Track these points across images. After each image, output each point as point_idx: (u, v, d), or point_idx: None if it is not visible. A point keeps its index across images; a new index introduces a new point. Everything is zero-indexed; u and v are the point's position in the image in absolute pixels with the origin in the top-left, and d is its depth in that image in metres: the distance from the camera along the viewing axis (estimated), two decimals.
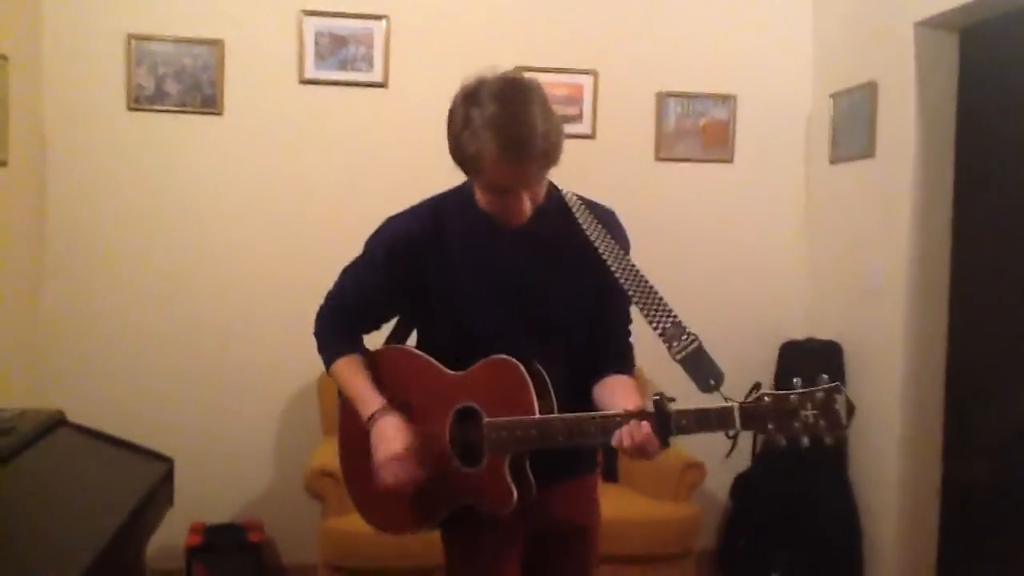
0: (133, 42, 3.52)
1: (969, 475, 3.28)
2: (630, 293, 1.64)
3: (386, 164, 3.66)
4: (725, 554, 3.84)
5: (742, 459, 3.74)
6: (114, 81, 3.52)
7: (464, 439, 1.69)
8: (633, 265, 1.68)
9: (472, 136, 1.55)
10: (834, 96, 3.80)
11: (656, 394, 1.53)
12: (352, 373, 1.81)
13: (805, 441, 1.44)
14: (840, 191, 3.80)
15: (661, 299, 1.62)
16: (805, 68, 4.00)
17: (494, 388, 1.66)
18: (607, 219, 1.77)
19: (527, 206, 1.63)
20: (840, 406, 1.41)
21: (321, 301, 1.89)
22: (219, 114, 3.59)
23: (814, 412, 1.42)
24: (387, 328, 1.90)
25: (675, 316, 1.59)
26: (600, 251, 1.69)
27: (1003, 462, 3.15)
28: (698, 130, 3.96)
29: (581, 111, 3.82)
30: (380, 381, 1.79)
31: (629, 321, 1.80)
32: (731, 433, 1.47)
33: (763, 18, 3.98)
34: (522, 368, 1.63)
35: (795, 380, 1.44)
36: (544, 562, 1.85)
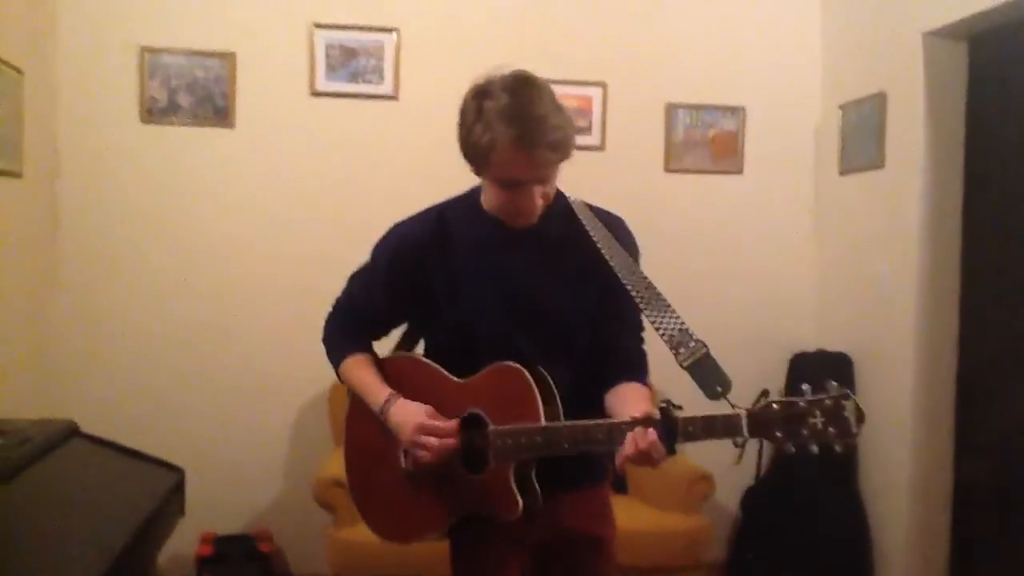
0: (146, 55, 3.55)
1: (980, 484, 3.27)
2: (636, 299, 1.63)
3: (397, 175, 3.67)
4: (735, 566, 3.82)
5: (751, 471, 3.73)
6: (127, 93, 3.56)
7: (470, 446, 1.68)
8: (640, 271, 1.67)
9: (485, 127, 1.56)
10: (843, 107, 3.80)
11: (663, 401, 1.52)
12: (361, 370, 1.81)
13: (814, 449, 1.41)
14: (849, 202, 3.80)
15: (668, 306, 1.61)
16: (814, 79, 4.00)
17: (499, 395, 1.66)
18: (615, 225, 1.76)
19: (538, 203, 1.63)
20: (850, 413, 1.39)
21: (329, 310, 1.90)
22: (231, 126, 3.62)
23: (823, 419, 1.40)
24: (395, 336, 1.91)
25: (683, 323, 1.58)
26: (606, 257, 1.68)
27: (1014, 470, 3.13)
28: (707, 141, 3.96)
29: (590, 123, 3.83)
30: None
31: (640, 329, 1.77)
32: (739, 441, 1.45)
33: (771, 29, 3.99)
34: (527, 374, 1.62)
35: (804, 387, 1.42)
36: (558, 573, 1.82)
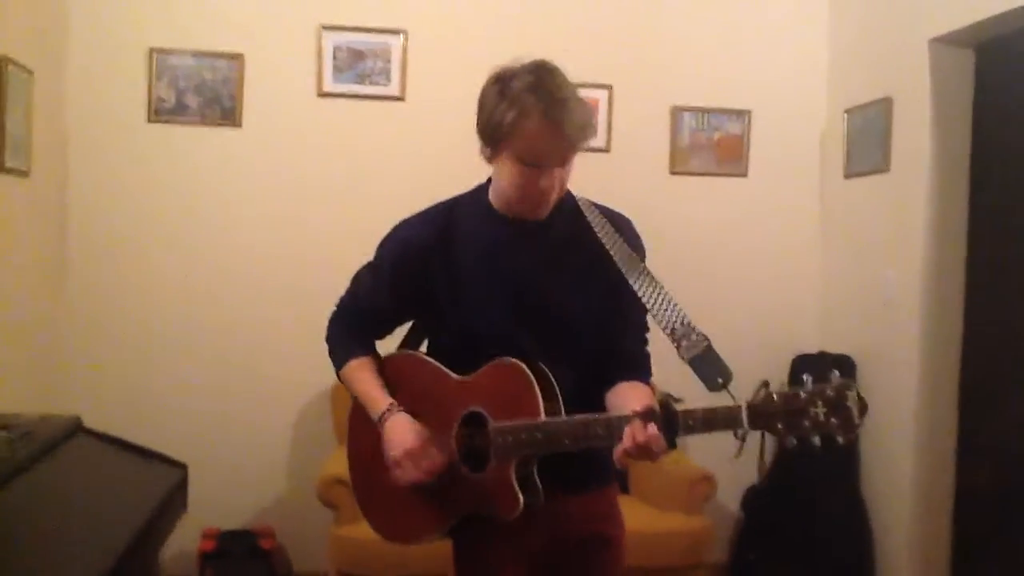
0: (155, 55, 3.58)
1: (982, 487, 3.26)
2: (641, 295, 1.63)
3: (403, 177, 3.69)
4: (737, 567, 3.82)
5: (753, 470, 3.72)
6: (135, 94, 3.58)
7: (471, 444, 1.68)
8: (646, 269, 1.66)
9: (512, 103, 1.57)
10: (849, 112, 3.81)
11: (662, 394, 1.51)
12: (362, 375, 1.81)
13: (816, 441, 1.38)
14: (854, 206, 3.80)
15: (672, 300, 1.61)
16: (820, 84, 4.01)
17: (500, 392, 1.65)
18: (622, 226, 1.75)
19: (556, 188, 1.63)
20: (852, 403, 1.37)
21: (333, 309, 1.91)
22: (238, 127, 3.64)
23: (825, 410, 1.37)
24: (399, 334, 1.90)
25: (685, 316, 1.58)
26: (612, 255, 1.67)
27: (1016, 473, 3.13)
28: (712, 144, 3.97)
29: (596, 125, 3.84)
30: (388, 387, 1.79)
31: (645, 330, 1.76)
32: (739, 433, 1.44)
33: (778, 33, 3.99)
34: (527, 370, 1.61)
35: (805, 377, 1.41)
36: (568, 574, 1.80)
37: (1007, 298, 3.19)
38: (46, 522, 1.84)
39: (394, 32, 3.71)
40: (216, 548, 3.36)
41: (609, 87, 3.84)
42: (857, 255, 3.77)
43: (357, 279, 1.88)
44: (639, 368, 1.75)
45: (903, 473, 3.37)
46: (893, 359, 3.45)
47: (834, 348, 3.78)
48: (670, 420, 1.47)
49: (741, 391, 1.50)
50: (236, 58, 3.62)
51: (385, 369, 1.83)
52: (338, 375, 1.86)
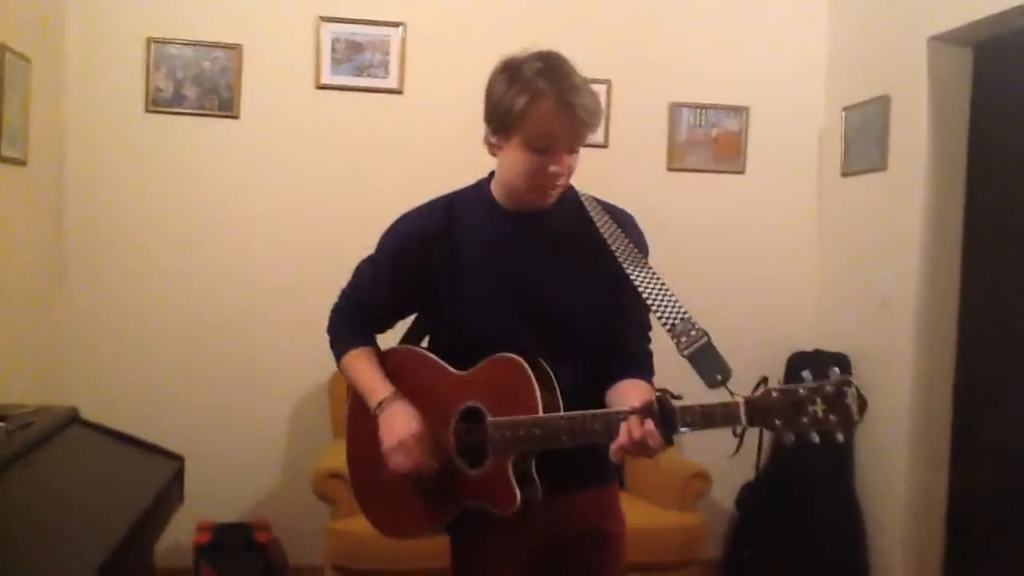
0: (153, 45, 3.56)
1: (977, 487, 3.28)
2: (641, 290, 1.62)
3: (401, 169, 3.68)
4: (731, 563, 3.84)
5: (750, 467, 3.74)
6: (133, 84, 3.57)
7: (469, 439, 1.67)
8: (648, 264, 1.66)
9: (523, 87, 1.57)
10: (846, 109, 3.81)
11: (659, 390, 1.51)
12: (361, 364, 1.80)
13: (815, 438, 1.37)
14: (851, 203, 3.81)
15: (672, 295, 1.60)
16: (818, 81, 4.01)
17: (498, 386, 1.64)
18: (624, 221, 1.75)
19: (564, 175, 1.63)
20: (851, 400, 1.35)
21: (335, 300, 1.90)
22: (236, 117, 3.63)
23: (824, 407, 1.36)
24: (401, 329, 1.90)
25: (685, 312, 1.57)
26: (613, 249, 1.67)
27: (1012, 473, 3.15)
28: (710, 141, 3.97)
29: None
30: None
31: (647, 328, 1.75)
32: (737, 430, 1.42)
33: (777, 31, 4.00)
34: (525, 364, 1.60)
35: (804, 373, 1.40)
36: (568, 570, 1.78)
37: (1003, 297, 3.21)
38: (42, 513, 1.84)
39: (393, 25, 3.70)
40: (212, 541, 3.35)
41: (608, 82, 3.83)
42: (854, 253, 3.78)
43: (358, 271, 1.87)
44: (641, 366, 1.74)
45: (897, 471, 3.38)
46: (889, 358, 3.45)
47: (830, 346, 3.79)
48: (667, 416, 1.46)
49: (737, 388, 1.49)
50: (234, 49, 3.61)
51: (385, 364, 1.82)
52: (339, 366, 1.86)
